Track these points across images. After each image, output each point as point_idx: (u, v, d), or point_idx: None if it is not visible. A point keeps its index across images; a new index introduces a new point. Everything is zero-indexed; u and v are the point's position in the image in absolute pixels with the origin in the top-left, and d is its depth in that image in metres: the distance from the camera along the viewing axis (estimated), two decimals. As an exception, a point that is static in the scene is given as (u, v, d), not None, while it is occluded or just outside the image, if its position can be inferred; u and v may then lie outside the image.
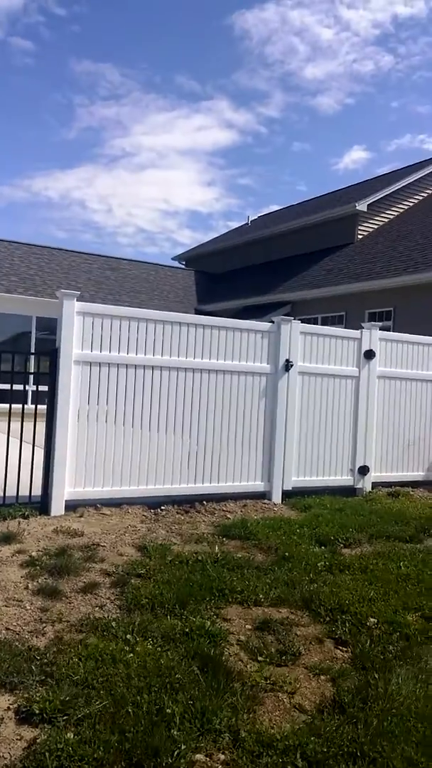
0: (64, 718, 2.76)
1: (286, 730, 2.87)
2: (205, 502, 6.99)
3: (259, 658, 3.53)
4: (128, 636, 3.55)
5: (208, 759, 2.63)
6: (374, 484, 8.44)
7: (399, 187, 20.41)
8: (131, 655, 3.33)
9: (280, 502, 7.46)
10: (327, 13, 56.36)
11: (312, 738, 2.80)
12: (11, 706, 2.88)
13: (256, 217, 30.53)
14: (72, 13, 53.42)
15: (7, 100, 61.16)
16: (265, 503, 7.32)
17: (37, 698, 2.87)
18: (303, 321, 8.21)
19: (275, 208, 31.86)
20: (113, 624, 3.69)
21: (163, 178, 73.69)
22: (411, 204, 20.84)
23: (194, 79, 64.37)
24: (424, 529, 6.44)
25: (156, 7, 52.92)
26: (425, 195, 21.07)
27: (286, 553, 5.29)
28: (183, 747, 2.64)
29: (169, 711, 2.85)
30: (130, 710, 2.84)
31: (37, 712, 2.79)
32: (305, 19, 56.81)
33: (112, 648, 3.38)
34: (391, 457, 8.63)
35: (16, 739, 2.66)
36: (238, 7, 56.67)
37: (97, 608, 3.99)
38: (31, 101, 63.80)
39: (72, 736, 2.63)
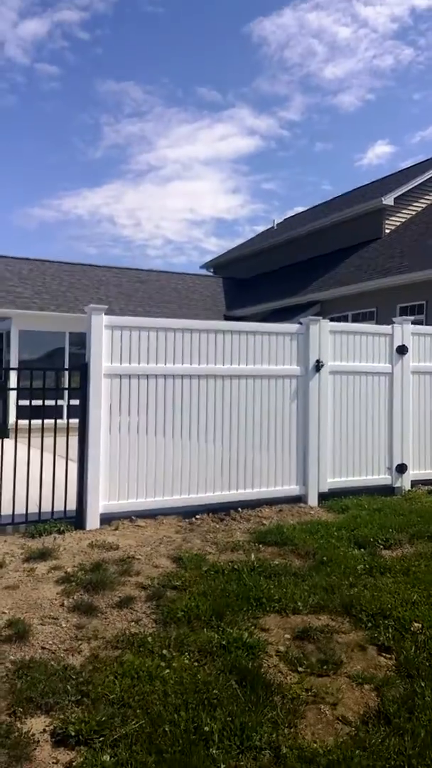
0: (101, 739, 2.71)
1: (329, 744, 2.77)
2: (240, 509, 6.91)
3: (299, 669, 3.43)
4: (164, 651, 3.48)
5: (248, 778, 2.55)
6: (413, 483, 8.24)
7: (426, 178, 20.07)
8: (168, 671, 3.27)
9: (317, 504, 7.34)
10: (344, 12, 55.98)
11: (357, 751, 2.70)
12: (47, 728, 2.83)
13: (281, 220, 30.40)
14: (95, 37, 54.48)
15: (35, 125, 62.50)
16: (301, 507, 7.20)
17: (73, 719, 2.83)
18: (333, 319, 8.09)
19: (300, 209, 31.71)
20: (149, 639, 3.64)
21: (188, 189, 74.08)
22: (438, 195, 20.46)
23: (215, 89, 64.75)
24: (468, 526, 6.25)
25: (174, 24, 53.45)
26: (452, 185, 20.68)
27: (324, 558, 5.18)
28: (222, 766, 2.57)
29: (207, 728, 2.78)
30: (167, 729, 2.78)
31: (73, 734, 2.74)
32: (323, 20, 56.52)
33: (148, 664, 3.32)
34: (430, 454, 8.43)
35: (53, 763, 2.62)
36: (256, 15, 56.74)
37: (133, 623, 3.94)
38: (58, 124, 64.97)
39: (108, 759, 2.58)
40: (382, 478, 8.02)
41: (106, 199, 72.37)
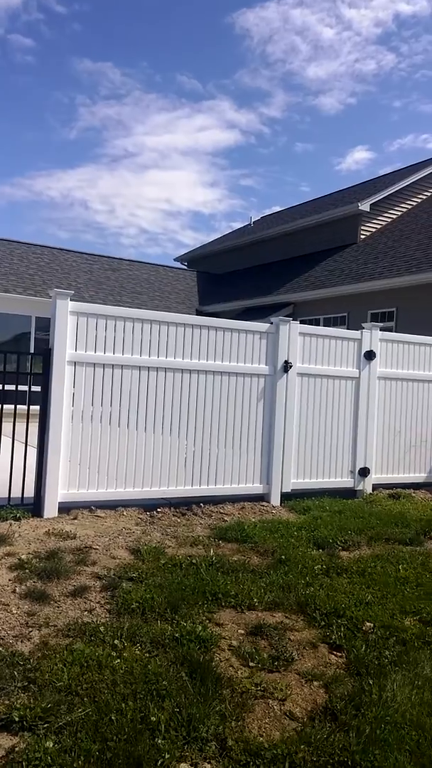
0: (45, 725, 2.68)
1: (275, 738, 2.78)
2: (202, 504, 6.90)
3: (251, 664, 3.43)
4: (116, 641, 3.46)
5: (192, 769, 2.54)
6: (375, 486, 8.33)
7: (401, 186, 20.31)
8: (118, 660, 3.24)
9: (279, 504, 7.37)
10: (329, 11, 56.31)
11: (302, 746, 2.71)
12: (-9, 714, 2.79)
13: (258, 218, 30.48)
14: (72, 12, 53.29)
15: (8, 99, 61.06)
16: (263, 505, 7.22)
17: (18, 705, 2.79)
18: (305, 322, 8.13)
19: (278, 208, 31.80)
20: (101, 629, 3.61)
21: (165, 178, 73.79)
22: (414, 204, 20.73)
23: (195, 78, 64.38)
24: (425, 531, 6.34)
25: (155, 6, 52.92)
26: (428, 194, 20.97)
27: (283, 556, 5.20)
28: (167, 756, 2.55)
29: (154, 719, 2.77)
30: (113, 718, 2.76)
31: (17, 719, 2.70)
32: (306, 18, 56.76)
33: (99, 653, 3.29)
34: (392, 459, 8.53)
35: (-5, 748, 2.57)
36: (239, 5, 56.56)
37: (86, 612, 3.90)
38: (32, 100, 63.81)
39: (52, 745, 2.55)
40: (344, 480, 8.08)
41: (79, 183, 71.52)
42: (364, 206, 19.50)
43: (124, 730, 2.68)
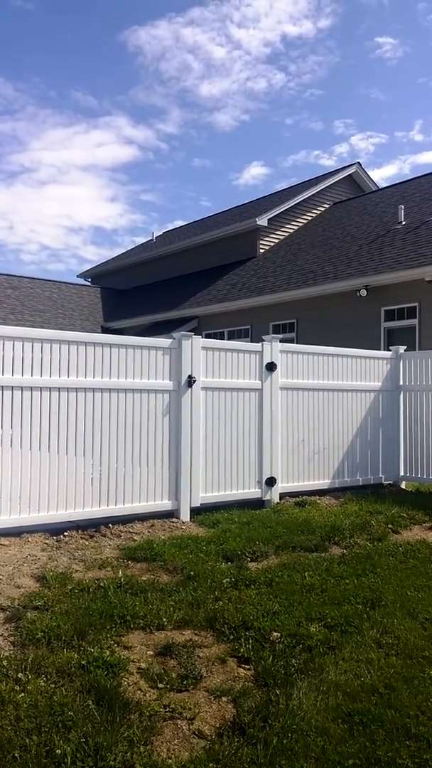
0: None
1: (183, 759, 2.78)
2: (111, 525, 6.82)
3: (159, 685, 3.42)
4: (20, 674, 3.36)
5: (99, 800, 2.50)
6: (282, 495, 8.50)
7: (297, 201, 20.98)
8: (22, 694, 3.15)
9: (189, 519, 7.39)
10: (219, 31, 57.50)
11: (210, 764, 2.73)
12: None
13: (161, 233, 30.61)
14: None
15: None
16: (173, 522, 7.22)
17: None
18: (209, 335, 8.24)
19: (180, 222, 32.15)
20: (4, 662, 3.49)
21: (65, 194, 72.81)
22: (309, 218, 21.44)
23: (90, 94, 63.98)
24: (329, 537, 6.53)
25: (45, 22, 52.30)
26: (322, 209, 21.74)
27: (192, 573, 5.21)
28: (73, 790, 2.50)
29: (59, 751, 2.71)
30: (16, 755, 2.68)
31: None
32: (198, 37, 57.74)
33: (1, 689, 3.18)
34: (298, 467, 8.74)
35: None
36: (130, 23, 56.77)
37: (-11, 647, 3.77)
38: None
39: None
40: (252, 491, 8.21)
41: (-26, 198, 69.57)
42: (262, 221, 20.00)
43: (29, 766, 2.60)
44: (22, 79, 60.77)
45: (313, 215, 21.53)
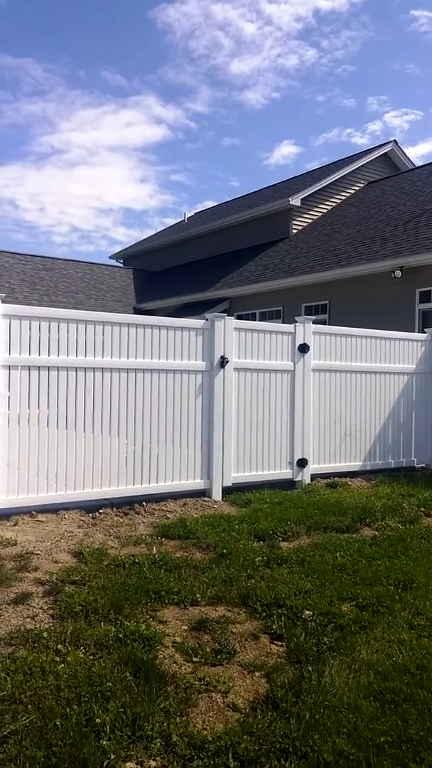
0: (-11, 736, 2.68)
1: (218, 731, 2.85)
2: (144, 503, 6.93)
3: (194, 659, 3.51)
4: (59, 646, 3.47)
5: (138, 767, 2.59)
6: (313, 476, 8.53)
7: (330, 181, 20.70)
8: (62, 665, 3.26)
9: (221, 498, 7.46)
10: (249, 6, 56.44)
11: (245, 737, 2.80)
12: None
13: (192, 214, 30.52)
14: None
15: None
16: (205, 501, 7.30)
17: (-39, 718, 2.78)
18: (241, 316, 8.24)
19: (210, 203, 31.99)
20: (44, 634, 3.61)
21: (94, 175, 72.87)
22: (343, 198, 21.16)
23: (120, 74, 63.63)
24: (361, 518, 6.54)
25: (73, 1, 52.01)
26: (356, 189, 21.44)
27: (225, 550, 5.29)
28: (113, 756, 2.60)
29: (98, 720, 2.80)
30: (58, 723, 2.78)
31: (-40, 732, 2.70)
32: (228, 13, 56.81)
33: (42, 660, 3.29)
34: (329, 449, 8.74)
35: None
36: (159, 0, 56.17)
37: (29, 619, 3.89)
38: None
39: (-3, 755, 2.55)
40: (284, 472, 8.25)
41: (6, 181, 69.97)
42: (295, 201, 19.80)
43: (69, 734, 2.70)
44: (52, 59, 60.69)
45: (347, 195, 21.24)
